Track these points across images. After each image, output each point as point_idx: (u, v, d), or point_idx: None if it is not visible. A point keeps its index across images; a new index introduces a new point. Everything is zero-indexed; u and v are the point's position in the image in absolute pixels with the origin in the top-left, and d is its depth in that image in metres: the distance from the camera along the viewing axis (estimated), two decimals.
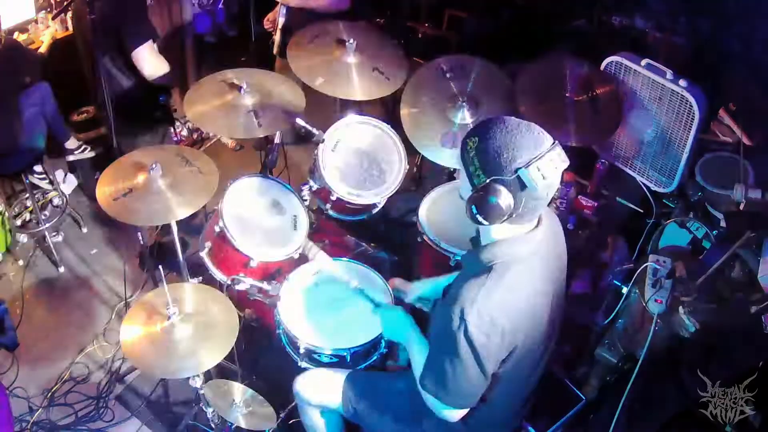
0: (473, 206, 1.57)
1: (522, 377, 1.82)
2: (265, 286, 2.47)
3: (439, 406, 1.77)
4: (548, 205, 1.70)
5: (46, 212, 3.53)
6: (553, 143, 1.56)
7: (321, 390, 2.16)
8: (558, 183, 1.62)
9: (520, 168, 1.51)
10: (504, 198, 1.53)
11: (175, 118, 3.97)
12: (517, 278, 1.64)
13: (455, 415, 1.79)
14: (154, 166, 2.28)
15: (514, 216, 1.58)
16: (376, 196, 2.73)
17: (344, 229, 2.95)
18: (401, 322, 2.01)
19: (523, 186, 1.53)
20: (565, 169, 1.59)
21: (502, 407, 1.89)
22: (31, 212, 3.52)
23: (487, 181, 1.54)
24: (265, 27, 3.68)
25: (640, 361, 2.36)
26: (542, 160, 1.52)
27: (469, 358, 1.63)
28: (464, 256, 1.87)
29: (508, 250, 1.66)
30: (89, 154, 3.90)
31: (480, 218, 1.58)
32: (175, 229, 2.53)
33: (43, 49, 3.49)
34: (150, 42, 2.92)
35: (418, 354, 1.86)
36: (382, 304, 2.21)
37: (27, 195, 3.44)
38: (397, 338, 2.04)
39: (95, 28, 2.62)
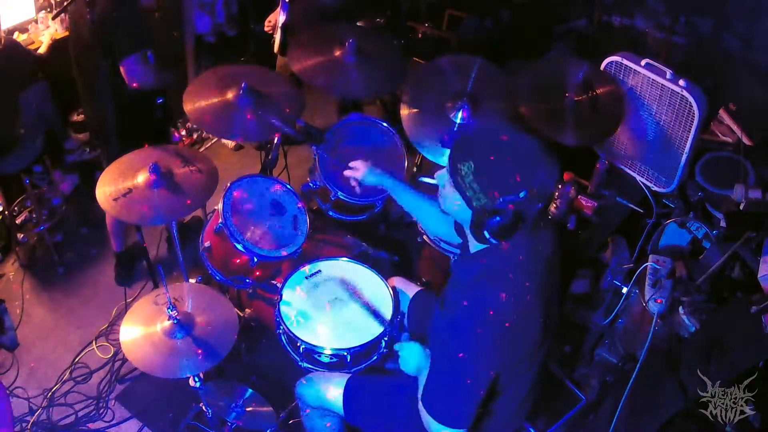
0: (485, 230, 1.59)
1: (520, 383, 1.81)
2: (264, 286, 2.48)
3: (436, 427, 1.68)
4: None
5: (46, 212, 3.52)
6: (549, 162, 1.58)
7: (323, 393, 2.16)
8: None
9: (524, 190, 1.53)
10: (515, 218, 1.56)
11: (175, 118, 3.97)
12: (506, 282, 1.64)
13: None
14: (154, 166, 2.28)
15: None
16: (376, 197, 2.73)
17: (344, 229, 2.94)
18: (422, 357, 1.88)
19: (526, 205, 1.56)
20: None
21: (504, 416, 1.88)
22: (31, 212, 3.52)
23: (495, 203, 1.55)
24: (266, 29, 3.68)
25: (640, 361, 2.36)
26: (542, 180, 1.55)
27: (468, 365, 1.62)
28: (455, 263, 1.87)
29: (498, 256, 1.67)
30: (89, 154, 3.90)
31: (491, 239, 1.61)
32: (175, 229, 2.53)
33: (42, 49, 3.49)
34: (138, 54, 2.85)
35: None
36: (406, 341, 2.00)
37: (27, 195, 3.44)
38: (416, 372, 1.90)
39: (92, 31, 2.61)
